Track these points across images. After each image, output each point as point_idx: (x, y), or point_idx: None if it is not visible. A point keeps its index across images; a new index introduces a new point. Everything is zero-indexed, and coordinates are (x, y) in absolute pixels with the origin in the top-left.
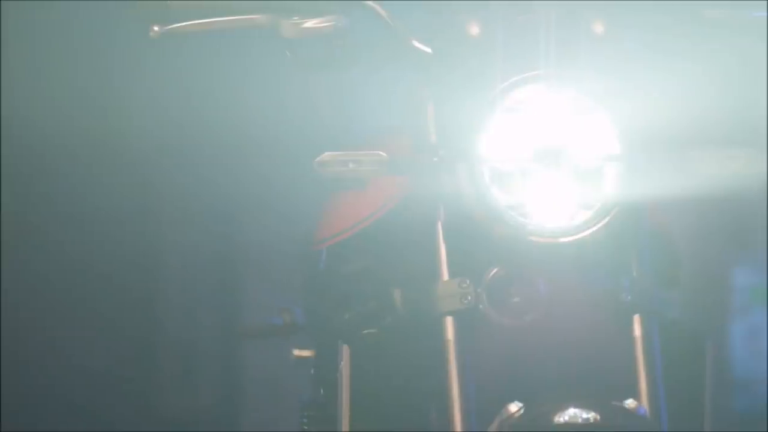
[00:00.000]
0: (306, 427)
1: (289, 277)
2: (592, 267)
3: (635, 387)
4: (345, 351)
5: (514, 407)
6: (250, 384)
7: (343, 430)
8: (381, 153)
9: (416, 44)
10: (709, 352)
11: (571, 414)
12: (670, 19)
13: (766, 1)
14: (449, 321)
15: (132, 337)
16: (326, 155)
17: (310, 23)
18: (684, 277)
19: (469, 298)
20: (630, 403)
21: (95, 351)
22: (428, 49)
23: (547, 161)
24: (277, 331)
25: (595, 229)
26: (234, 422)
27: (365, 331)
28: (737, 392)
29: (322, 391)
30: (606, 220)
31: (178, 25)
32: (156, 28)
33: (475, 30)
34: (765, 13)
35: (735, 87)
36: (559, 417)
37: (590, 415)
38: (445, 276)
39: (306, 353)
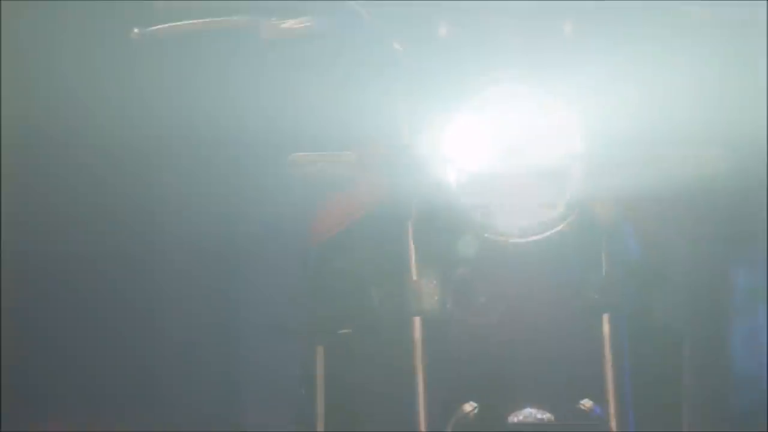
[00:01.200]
0: (292, 427)
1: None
2: (560, 266)
3: (602, 387)
4: (319, 351)
5: (468, 407)
6: (251, 384)
7: (319, 430)
8: (350, 153)
9: (395, 45)
10: (686, 352)
11: (526, 414)
12: (641, 18)
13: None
14: (417, 321)
15: (130, 337)
16: (296, 156)
17: (289, 24)
18: (669, 276)
19: (436, 298)
20: (585, 402)
21: (94, 351)
22: (401, 50)
23: (514, 161)
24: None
25: (561, 228)
26: (234, 422)
27: (339, 332)
28: (736, 392)
29: (303, 391)
30: (572, 218)
31: (159, 27)
32: (137, 30)
33: (444, 30)
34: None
35: (705, 86)
36: (514, 417)
37: (545, 416)
38: (414, 276)
39: None
